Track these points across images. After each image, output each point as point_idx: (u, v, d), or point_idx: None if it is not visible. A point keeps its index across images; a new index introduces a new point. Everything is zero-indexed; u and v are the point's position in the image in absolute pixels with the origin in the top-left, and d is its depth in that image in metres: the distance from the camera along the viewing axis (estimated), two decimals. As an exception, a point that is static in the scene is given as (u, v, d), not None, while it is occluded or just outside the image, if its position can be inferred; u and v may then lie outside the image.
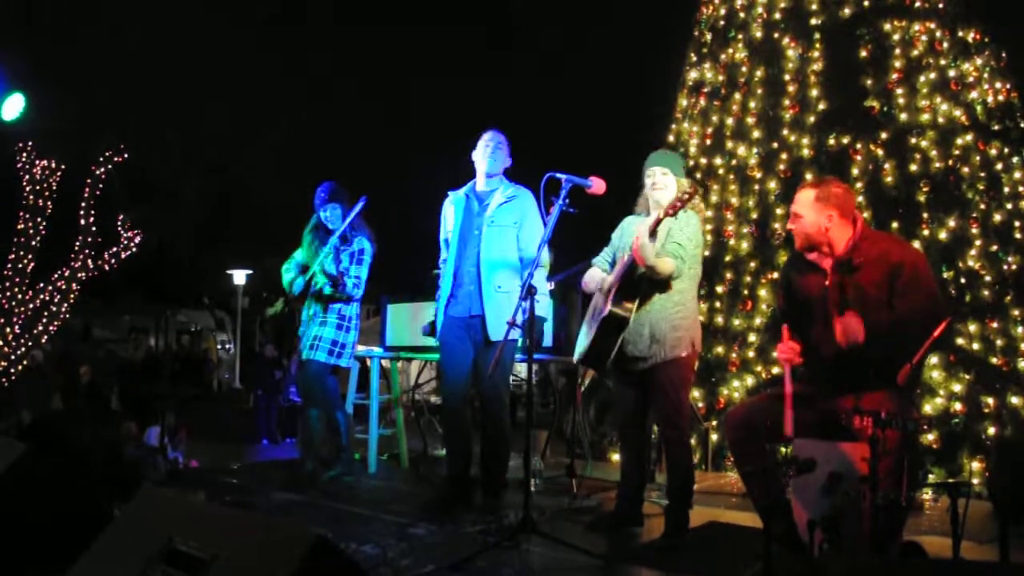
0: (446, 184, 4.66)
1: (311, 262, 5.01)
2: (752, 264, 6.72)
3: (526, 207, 4.31)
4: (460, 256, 4.36)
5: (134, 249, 11.87)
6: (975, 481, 5.12)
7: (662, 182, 3.84)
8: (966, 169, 6.53)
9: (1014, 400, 5.58)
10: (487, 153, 4.38)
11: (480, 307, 4.24)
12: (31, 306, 11.10)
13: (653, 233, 3.58)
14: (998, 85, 7.11)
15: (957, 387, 5.61)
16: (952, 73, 6.88)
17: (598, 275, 3.99)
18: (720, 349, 6.53)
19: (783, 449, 3.11)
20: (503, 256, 4.26)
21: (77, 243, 11.53)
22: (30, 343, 11.00)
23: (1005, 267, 6.23)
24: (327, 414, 5.20)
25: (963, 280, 6.13)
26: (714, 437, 6.17)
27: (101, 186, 11.63)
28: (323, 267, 4.87)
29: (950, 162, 6.53)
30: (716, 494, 5.07)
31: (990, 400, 5.54)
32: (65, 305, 11.37)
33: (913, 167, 6.49)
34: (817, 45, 7.08)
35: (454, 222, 4.45)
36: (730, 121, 7.38)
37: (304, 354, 5.05)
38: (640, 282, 3.67)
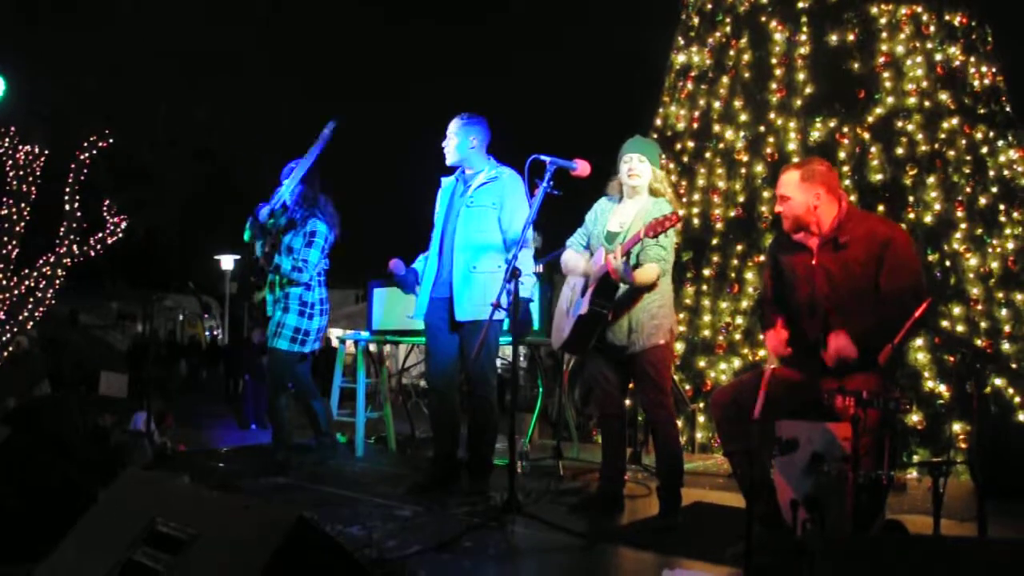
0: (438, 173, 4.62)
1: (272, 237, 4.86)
2: (739, 247, 6.73)
3: (508, 187, 4.26)
4: (442, 238, 4.36)
5: (120, 235, 11.79)
6: (959, 460, 5.17)
7: (638, 169, 3.82)
8: (952, 153, 6.56)
9: (997, 381, 5.64)
10: (447, 145, 4.37)
11: (449, 289, 4.24)
12: (16, 292, 11.03)
13: (627, 253, 3.55)
14: (984, 69, 7.13)
15: (941, 368, 5.66)
16: (938, 57, 6.89)
17: (574, 257, 3.98)
18: (707, 332, 6.56)
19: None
20: (480, 237, 4.22)
21: (62, 229, 11.45)
22: (15, 329, 10.93)
23: (990, 250, 6.27)
24: (303, 402, 5.16)
25: (948, 263, 6.17)
26: (700, 419, 6.21)
27: (86, 171, 11.54)
28: (287, 243, 4.81)
29: (936, 146, 6.55)
30: (702, 475, 5.11)
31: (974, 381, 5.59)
32: (50, 291, 11.30)
33: (899, 151, 6.51)
34: (804, 29, 7.08)
35: (440, 206, 4.45)
36: (717, 104, 7.37)
37: (269, 341, 4.95)
38: (618, 284, 3.65)
